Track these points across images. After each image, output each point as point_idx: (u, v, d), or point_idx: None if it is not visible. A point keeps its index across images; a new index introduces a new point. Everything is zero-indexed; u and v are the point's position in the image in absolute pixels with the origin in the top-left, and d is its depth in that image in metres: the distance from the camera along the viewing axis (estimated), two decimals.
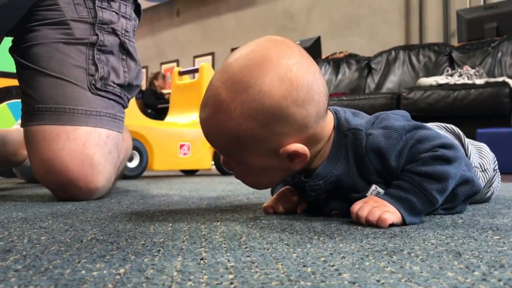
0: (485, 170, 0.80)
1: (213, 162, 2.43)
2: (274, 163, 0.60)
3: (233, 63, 0.58)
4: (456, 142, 0.69)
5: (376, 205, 0.58)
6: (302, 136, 0.59)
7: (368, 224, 0.57)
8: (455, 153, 0.59)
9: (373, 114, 0.66)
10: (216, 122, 0.58)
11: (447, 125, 0.82)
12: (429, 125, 0.82)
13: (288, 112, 0.56)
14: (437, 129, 0.79)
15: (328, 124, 0.62)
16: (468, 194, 0.67)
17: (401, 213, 0.57)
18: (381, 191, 0.61)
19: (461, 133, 0.80)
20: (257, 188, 0.67)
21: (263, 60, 0.57)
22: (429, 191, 0.58)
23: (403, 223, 0.57)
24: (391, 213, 0.57)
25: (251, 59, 0.57)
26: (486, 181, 0.80)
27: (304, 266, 0.37)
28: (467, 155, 0.76)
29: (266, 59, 0.57)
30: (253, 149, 0.58)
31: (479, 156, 0.81)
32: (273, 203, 0.71)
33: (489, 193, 0.85)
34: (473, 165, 0.75)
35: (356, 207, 0.59)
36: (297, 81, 0.57)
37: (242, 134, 0.57)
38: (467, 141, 0.80)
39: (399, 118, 0.64)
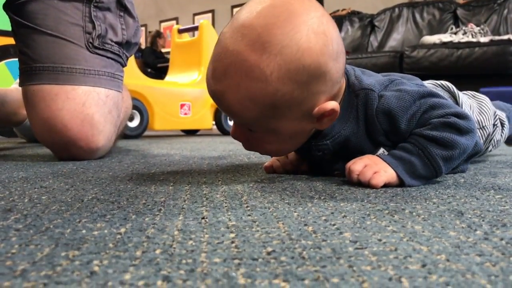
0: (483, 127, 0.79)
1: (214, 122, 2.43)
2: (304, 125, 0.57)
3: (254, 22, 0.51)
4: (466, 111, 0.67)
5: (369, 163, 0.57)
6: (333, 92, 0.56)
7: (360, 183, 0.56)
8: (469, 124, 0.57)
9: (386, 75, 0.64)
10: (247, 92, 0.51)
11: (442, 82, 0.80)
12: (424, 83, 0.81)
13: (327, 68, 0.53)
14: (432, 87, 0.78)
15: (344, 80, 0.60)
16: (471, 154, 0.66)
17: (398, 174, 0.56)
18: None
19: (455, 90, 0.78)
20: (279, 155, 0.63)
21: (290, 15, 0.51)
22: (433, 156, 0.56)
23: (401, 184, 0.56)
24: (383, 173, 0.55)
25: (277, 16, 0.51)
26: (484, 138, 0.80)
27: (305, 225, 0.37)
28: None
29: (293, 13, 0.51)
30: (288, 114, 0.54)
31: (479, 112, 0.80)
32: (274, 163, 0.70)
33: (490, 148, 0.85)
34: None
35: (351, 162, 0.58)
36: (330, 34, 0.53)
37: (279, 100, 0.52)
38: (465, 98, 0.78)
39: (414, 85, 0.61)
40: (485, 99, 0.84)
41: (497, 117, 0.84)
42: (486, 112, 0.80)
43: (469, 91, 0.87)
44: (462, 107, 0.75)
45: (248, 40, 0.51)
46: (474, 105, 0.81)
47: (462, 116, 0.57)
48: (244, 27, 0.52)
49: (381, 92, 0.59)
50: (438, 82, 0.81)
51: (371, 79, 0.62)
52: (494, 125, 0.82)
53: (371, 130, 0.60)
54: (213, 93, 0.55)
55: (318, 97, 0.54)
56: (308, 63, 0.51)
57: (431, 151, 0.56)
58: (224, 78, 0.52)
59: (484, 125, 0.79)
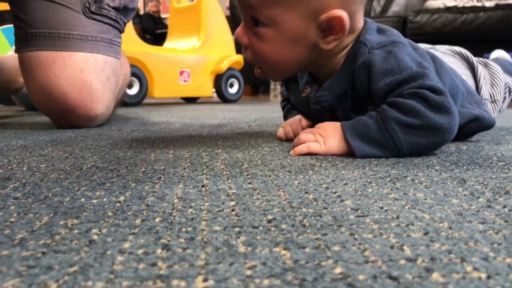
0: (495, 101, 0.77)
1: (214, 90, 2.41)
2: (308, 32, 0.55)
3: None
4: (464, 86, 0.64)
5: (320, 132, 0.56)
6: (346, 9, 0.54)
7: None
8: (443, 100, 0.51)
9: (399, 36, 0.60)
10: None
11: (461, 50, 0.77)
12: (441, 48, 0.78)
13: None
14: (450, 54, 0.76)
15: (358, 27, 0.59)
16: (478, 130, 0.65)
17: (346, 137, 0.53)
18: None
19: (474, 60, 0.75)
20: (275, 68, 0.60)
21: None
22: (388, 118, 0.51)
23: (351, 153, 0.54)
24: (320, 144, 0.55)
25: None
26: (496, 112, 0.78)
27: (306, 193, 0.36)
28: (478, 87, 0.73)
29: None
30: (295, 5, 0.53)
31: (491, 84, 0.77)
32: (286, 128, 0.70)
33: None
34: (483, 97, 0.73)
35: (303, 132, 0.59)
36: None
37: None
38: (480, 69, 0.76)
39: (414, 63, 0.55)
40: (498, 69, 0.80)
41: (507, 88, 0.82)
42: (498, 85, 0.78)
43: (481, 59, 0.84)
44: (479, 81, 0.73)
45: None
46: (487, 76, 0.78)
47: (438, 92, 0.51)
48: None
49: (373, 49, 0.57)
50: (457, 49, 0.78)
51: (379, 36, 0.59)
52: (504, 98, 0.80)
53: (355, 87, 0.59)
54: None
55: (330, 0, 0.53)
56: None
57: (387, 114, 0.52)
58: None
59: (496, 98, 0.77)
